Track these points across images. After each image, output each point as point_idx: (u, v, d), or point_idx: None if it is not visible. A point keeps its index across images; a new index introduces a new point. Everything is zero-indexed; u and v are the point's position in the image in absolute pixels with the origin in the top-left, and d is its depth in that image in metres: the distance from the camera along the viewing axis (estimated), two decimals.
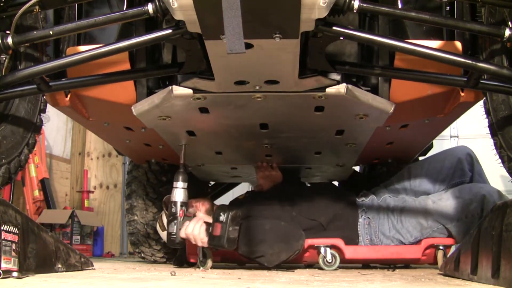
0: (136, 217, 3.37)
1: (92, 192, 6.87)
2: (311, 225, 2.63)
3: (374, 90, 2.06)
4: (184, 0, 1.36)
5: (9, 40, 1.70)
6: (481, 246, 1.64)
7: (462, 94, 2.04)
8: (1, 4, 1.80)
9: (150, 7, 1.57)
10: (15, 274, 1.61)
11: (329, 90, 1.89)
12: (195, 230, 2.37)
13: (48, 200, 5.79)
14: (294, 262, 2.65)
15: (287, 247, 2.43)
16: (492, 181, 3.00)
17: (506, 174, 1.85)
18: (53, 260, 1.92)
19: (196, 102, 1.97)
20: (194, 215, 2.47)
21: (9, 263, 1.61)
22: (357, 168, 3.79)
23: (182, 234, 2.38)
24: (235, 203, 2.84)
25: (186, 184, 2.43)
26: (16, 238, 1.67)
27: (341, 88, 1.88)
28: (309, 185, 3.23)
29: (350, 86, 1.89)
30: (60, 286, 1.45)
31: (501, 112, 1.78)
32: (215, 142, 2.55)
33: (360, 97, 1.93)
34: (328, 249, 2.52)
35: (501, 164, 1.86)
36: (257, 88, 1.87)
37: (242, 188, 6.39)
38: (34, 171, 5.79)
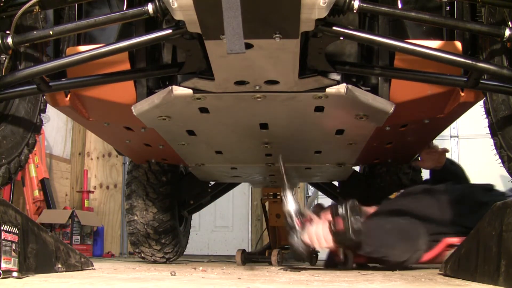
0: (136, 217, 3.37)
1: (92, 192, 6.87)
2: (455, 230, 2.52)
3: (374, 90, 2.06)
4: (184, 0, 1.37)
5: (9, 40, 1.70)
6: (481, 246, 1.64)
7: (462, 94, 2.04)
8: (1, 4, 1.80)
9: (150, 7, 1.57)
10: (15, 274, 1.61)
11: (329, 90, 1.89)
12: (317, 231, 2.23)
13: (48, 200, 5.79)
14: (434, 262, 2.55)
15: (407, 247, 2.37)
16: (492, 181, 3.00)
17: (506, 174, 1.85)
18: (53, 260, 1.92)
19: (196, 102, 1.97)
20: (311, 219, 2.32)
21: (9, 263, 1.61)
22: (357, 168, 3.79)
23: (306, 239, 2.24)
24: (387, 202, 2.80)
25: (293, 191, 2.30)
26: (16, 238, 1.67)
27: (341, 88, 1.88)
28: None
29: (350, 86, 1.89)
30: (60, 286, 1.45)
31: (501, 112, 1.78)
32: (215, 141, 2.55)
33: (360, 97, 1.93)
34: None
35: (501, 164, 1.86)
36: (257, 88, 1.87)
37: (243, 188, 6.44)
38: (34, 171, 5.80)
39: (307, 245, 2.25)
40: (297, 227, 2.23)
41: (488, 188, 2.83)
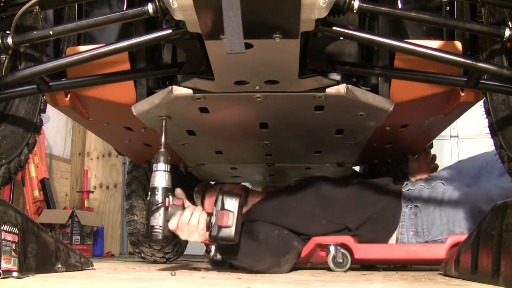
0: (136, 217, 3.37)
1: (92, 192, 6.87)
2: (339, 229, 2.40)
3: (374, 90, 2.06)
4: (184, 0, 1.37)
5: (9, 40, 1.70)
6: (481, 246, 1.64)
7: (462, 94, 2.04)
8: (1, 4, 1.80)
9: (150, 7, 1.57)
10: (15, 274, 1.61)
11: (329, 90, 1.88)
12: (193, 219, 1.97)
13: (48, 200, 5.79)
14: (300, 264, 2.49)
15: (274, 261, 2.21)
16: None
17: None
18: (53, 260, 1.92)
19: (196, 102, 1.97)
20: (183, 205, 2.04)
21: (9, 263, 1.61)
22: (357, 168, 3.79)
23: (173, 225, 1.97)
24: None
25: (168, 166, 2.01)
26: (16, 238, 1.67)
27: (341, 88, 1.88)
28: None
29: (350, 86, 1.89)
30: (60, 286, 1.45)
31: (501, 112, 1.78)
32: (215, 141, 2.55)
33: (360, 97, 1.93)
34: (337, 248, 2.25)
35: (501, 164, 1.86)
36: (257, 88, 1.87)
37: None
38: (34, 171, 5.79)
39: (171, 233, 2.00)
40: (164, 207, 1.95)
41: (384, 183, 2.61)
